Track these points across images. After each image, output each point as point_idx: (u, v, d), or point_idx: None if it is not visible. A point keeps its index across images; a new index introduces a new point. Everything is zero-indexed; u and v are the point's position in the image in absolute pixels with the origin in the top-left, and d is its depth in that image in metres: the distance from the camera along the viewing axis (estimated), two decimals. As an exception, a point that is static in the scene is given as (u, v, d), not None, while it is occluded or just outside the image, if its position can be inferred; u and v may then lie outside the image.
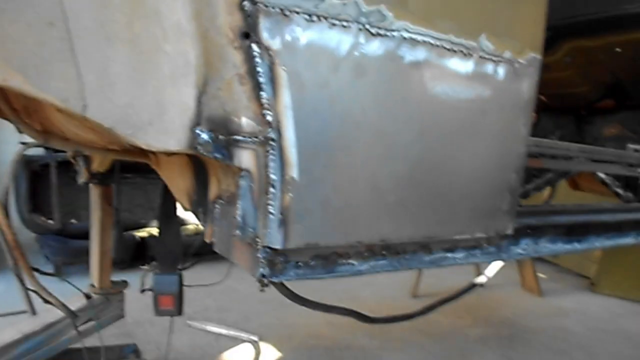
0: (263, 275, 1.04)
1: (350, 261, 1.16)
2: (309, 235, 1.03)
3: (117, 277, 3.03)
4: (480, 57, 1.20)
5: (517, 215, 1.40)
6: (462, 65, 1.18)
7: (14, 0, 0.97)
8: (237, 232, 1.06)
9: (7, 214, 1.30)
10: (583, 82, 3.70)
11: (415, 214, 1.17)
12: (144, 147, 1.03)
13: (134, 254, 5.28)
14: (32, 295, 2.07)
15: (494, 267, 3.60)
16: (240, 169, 1.02)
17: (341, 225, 1.07)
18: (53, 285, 2.20)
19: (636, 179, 3.52)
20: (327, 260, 1.12)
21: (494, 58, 1.23)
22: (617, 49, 3.22)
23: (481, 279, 3.32)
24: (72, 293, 2.77)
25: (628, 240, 1.99)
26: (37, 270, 1.59)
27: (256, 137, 0.98)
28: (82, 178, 2.83)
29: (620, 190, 3.76)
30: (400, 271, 1.25)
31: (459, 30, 1.15)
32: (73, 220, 5.30)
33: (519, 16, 1.28)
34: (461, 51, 1.17)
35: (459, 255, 1.35)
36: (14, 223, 4.83)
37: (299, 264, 1.09)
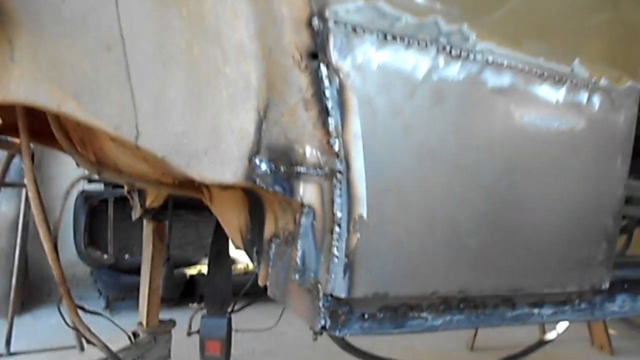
0: (324, 328, 0.91)
1: (423, 315, 1.01)
2: (377, 284, 0.90)
3: (165, 314, 2.97)
4: (574, 84, 1.06)
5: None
6: (552, 94, 1.04)
7: (72, 23, 0.93)
8: (296, 276, 0.94)
9: (56, 249, 1.24)
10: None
11: (498, 262, 1.02)
12: (197, 179, 0.95)
13: (183, 292, 5.26)
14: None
15: (565, 322, 3.28)
16: (302, 205, 0.91)
17: (414, 273, 0.93)
18: (103, 321, 2.15)
19: None
20: (396, 313, 0.98)
21: (588, 86, 1.08)
22: None
23: (552, 335, 3.02)
24: (125, 328, 2.73)
25: None
26: (81, 308, 1.52)
27: (321, 169, 0.87)
28: (136, 213, 2.83)
29: None
30: (478, 328, 1.09)
31: (550, 53, 1.02)
32: (127, 256, 5.36)
33: (616, 39, 1.14)
34: (552, 77, 1.03)
35: (547, 311, 1.17)
36: (70, 256, 4.93)
37: (365, 316, 0.95)
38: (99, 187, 5.26)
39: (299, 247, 0.92)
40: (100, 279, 5.26)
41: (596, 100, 1.10)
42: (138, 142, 0.93)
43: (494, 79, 0.96)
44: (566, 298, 1.20)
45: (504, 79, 0.98)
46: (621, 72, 1.14)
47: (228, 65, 0.89)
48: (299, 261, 0.92)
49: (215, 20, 0.88)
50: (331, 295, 0.89)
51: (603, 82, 1.11)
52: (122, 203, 4.91)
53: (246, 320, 3.06)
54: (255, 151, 0.88)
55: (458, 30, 0.92)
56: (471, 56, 0.94)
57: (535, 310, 1.15)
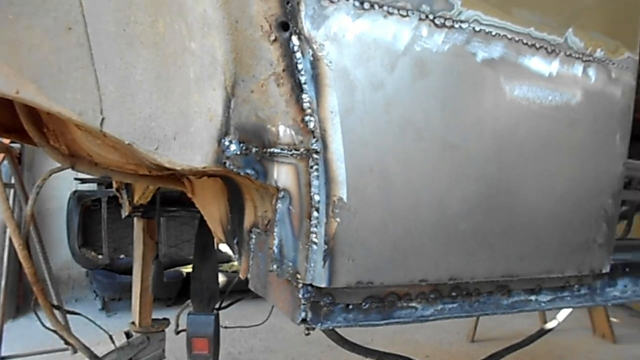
0: (304, 321, 0.85)
1: (412, 304, 0.94)
2: (361, 272, 0.83)
3: (162, 314, 2.91)
4: (567, 55, 0.99)
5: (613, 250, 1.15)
6: (545, 66, 0.97)
7: (31, 3, 0.86)
8: (274, 266, 0.87)
9: (28, 248, 1.17)
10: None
11: (492, 246, 0.95)
12: (166, 165, 0.88)
13: (180, 291, 5.20)
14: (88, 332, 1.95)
15: (566, 310, 3.22)
16: (278, 189, 0.84)
17: (401, 260, 0.86)
18: (100, 322, 2.09)
19: None
20: (383, 302, 0.91)
21: (583, 57, 1.02)
22: None
23: (552, 324, 2.96)
24: (120, 329, 2.68)
25: None
26: (58, 307, 1.46)
27: (296, 150, 0.80)
28: (125, 211, 2.76)
29: None
30: (472, 317, 1.02)
31: (541, 23, 0.95)
32: (122, 256, 5.30)
33: (613, 8, 1.07)
34: (544, 48, 0.96)
35: (544, 298, 1.11)
36: (65, 258, 4.86)
37: (349, 307, 0.88)
38: (92, 187, 5.19)
39: (275, 234, 0.86)
40: (96, 280, 5.20)
41: (592, 72, 1.04)
42: (103, 128, 0.87)
43: (482, 50, 0.90)
44: (565, 283, 1.13)
45: (493, 50, 0.91)
46: (618, 43, 1.08)
47: (193, 40, 0.82)
48: (276, 250, 0.86)
49: (178, -8, 0.82)
50: (311, 286, 0.83)
51: (599, 53, 1.04)
52: (116, 202, 4.84)
53: (241, 317, 3.00)
54: (225, 132, 0.81)
55: (442, -3, 0.85)
56: (456, 25, 0.87)
57: (532, 297, 1.09)
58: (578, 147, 1.04)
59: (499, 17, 0.91)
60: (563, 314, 3.19)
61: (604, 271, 1.14)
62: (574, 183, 1.04)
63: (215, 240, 1.90)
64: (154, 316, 2.79)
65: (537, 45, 0.96)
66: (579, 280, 1.16)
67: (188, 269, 5.29)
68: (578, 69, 1.02)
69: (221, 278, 3.44)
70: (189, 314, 1.85)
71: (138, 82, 0.87)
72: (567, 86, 1.00)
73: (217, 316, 1.84)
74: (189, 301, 2.04)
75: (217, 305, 1.92)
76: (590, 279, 1.18)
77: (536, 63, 0.96)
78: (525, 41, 0.94)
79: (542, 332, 2.82)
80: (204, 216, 1.37)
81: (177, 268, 5.47)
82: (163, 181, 1.44)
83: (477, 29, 0.89)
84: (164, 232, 5.60)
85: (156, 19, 0.86)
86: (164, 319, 2.81)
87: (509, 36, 0.92)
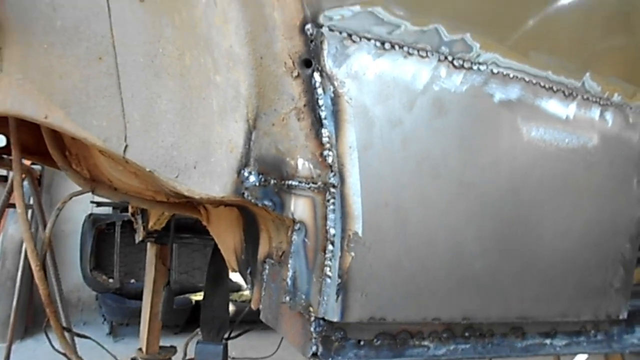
0: (315, 355, 0.84)
1: (425, 343, 0.93)
2: (374, 307, 0.83)
3: (169, 341, 2.89)
4: (584, 99, 1.00)
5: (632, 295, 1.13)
6: (562, 108, 0.98)
7: (64, 33, 0.90)
8: (286, 298, 0.87)
9: (44, 269, 1.19)
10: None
11: (506, 287, 0.94)
12: (185, 193, 0.90)
13: (189, 318, 5.17)
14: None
15: (581, 356, 3.14)
16: (294, 221, 0.85)
17: (414, 297, 0.86)
18: (108, 347, 2.09)
19: None
20: (395, 340, 0.90)
21: (601, 101, 1.02)
22: None
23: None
24: (127, 355, 2.66)
25: None
26: (68, 330, 1.46)
27: (314, 183, 0.82)
28: (139, 236, 2.78)
29: None
30: (485, 358, 1.01)
31: (559, 66, 0.97)
32: (132, 280, 5.31)
33: (630, 54, 1.08)
34: (561, 91, 0.98)
35: (560, 342, 1.09)
36: (76, 281, 4.89)
37: (361, 342, 0.88)
38: (107, 210, 5.25)
39: (290, 266, 0.86)
40: (105, 304, 5.20)
41: (609, 116, 1.04)
42: (126, 155, 0.89)
43: (499, 91, 0.91)
44: (581, 328, 1.11)
45: (511, 91, 0.92)
46: (636, 87, 1.08)
47: (218, 74, 0.85)
48: (289, 282, 0.86)
49: (206, 27, 0.85)
50: (323, 319, 0.83)
51: (616, 97, 1.05)
52: (130, 227, 4.90)
53: (248, 348, 2.97)
54: (245, 163, 0.83)
55: (461, 39, 0.88)
56: (475, 67, 0.89)
57: (547, 341, 1.07)
58: (595, 190, 1.04)
59: (517, 59, 0.93)
60: (578, 358, 3.11)
61: (621, 317, 1.12)
62: (590, 226, 1.04)
63: (228, 269, 1.90)
64: (161, 343, 2.77)
65: (555, 88, 0.97)
66: (595, 326, 1.13)
67: (197, 296, 5.27)
68: (595, 112, 1.02)
69: (231, 307, 3.42)
70: (197, 342, 1.84)
71: (163, 111, 0.90)
72: (584, 129, 1.01)
73: (225, 346, 1.83)
74: (198, 329, 2.03)
75: (226, 335, 1.91)
76: (607, 325, 1.16)
77: (553, 106, 0.97)
78: (542, 84, 0.96)
79: (557, 378, 2.75)
80: (218, 244, 1.37)
81: (186, 295, 5.46)
82: (180, 208, 1.46)
83: (495, 71, 0.91)
84: (176, 258, 5.62)
85: (183, 52, 0.89)
86: (172, 346, 2.79)
87: (527, 79, 0.94)
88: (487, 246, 0.92)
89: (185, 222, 2.64)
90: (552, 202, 0.98)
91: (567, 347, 1.11)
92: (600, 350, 1.16)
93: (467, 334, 0.96)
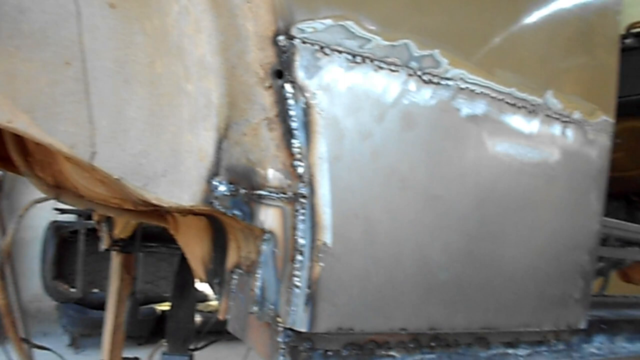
0: (282, 366, 0.84)
1: (391, 353, 0.94)
2: (342, 318, 0.83)
3: (133, 353, 2.81)
4: (547, 115, 1.04)
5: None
6: (526, 124, 1.02)
7: (31, 37, 0.88)
8: (254, 308, 0.87)
9: (3, 277, 1.15)
10: (635, 165, 3.47)
11: (471, 298, 0.96)
12: (153, 201, 0.89)
13: (153, 329, 5.05)
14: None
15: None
16: (263, 231, 0.85)
17: (382, 307, 0.87)
18: (69, 358, 2.02)
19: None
20: (362, 350, 0.91)
21: (562, 118, 1.07)
22: (672, 132, 3.03)
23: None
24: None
25: None
26: (27, 341, 1.42)
27: (284, 193, 0.82)
28: (104, 244, 2.72)
29: (683, 285, 3.40)
30: (450, 368, 1.02)
31: (522, 84, 1.00)
32: (95, 290, 5.16)
33: (589, 74, 1.13)
34: (525, 107, 1.01)
35: (522, 352, 1.11)
36: (36, 290, 4.72)
37: (328, 353, 0.88)
38: (71, 217, 5.10)
39: (258, 276, 0.86)
40: (66, 314, 5.03)
41: (570, 133, 1.08)
42: (94, 162, 0.88)
43: (466, 106, 0.94)
44: (542, 338, 1.14)
45: (477, 107, 0.95)
46: (595, 106, 1.13)
47: (190, 82, 0.85)
48: (258, 292, 0.86)
49: (178, 35, 0.85)
50: (291, 330, 0.83)
51: (577, 115, 1.09)
52: (94, 235, 4.76)
53: (216, 359, 2.92)
54: (215, 172, 0.83)
55: (430, 55, 0.90)
56: (443, 82, 0.91)
57: (511, 351, 1.10)
58: (556, 203, 1.07)
59: (483, 76, 0.96)
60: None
61: (580, 327, 1.16)
62: (551, 238, 1.07)
63: (195, 278, 1.88)
64: (124, 355, 2.70)
65: (519, 105, 1.00)
66: (556, 336, 1.17)
67: (163, 306, 5.16)
68: (557, 129, 1.06)
69: (197, 318, 3.37)
70: (162, 353, 1.80)
71: (132, 118, 0.89)
72: (546, 145, 1.04)
73: (191, 357, 1.80)
74: (163, 340, 1.99)
75: (192, 346, 1.88)
76: (567, 335, 1.19)
77: (517, 121, 1.01)
78: (507, 100, 0.99)
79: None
80: (186, 254, 1.36)
81: (151, 305, 5.33)
82: (147, 217, 1.43)
83: (463, 86, 0.93)
84: (141, 267, 5.50)
85: (154, 60, 0.89)
86: (135, 358, 2.72)
87: (492, 95, 0.97)
88: (453, 258, 0.94)
89: (152, 230, 2.60)
90: (515, 215, 1.01)
91: (529, 357, 1.13)
92: (561, 359, 1.19)
93: (433, 344, 0.98)
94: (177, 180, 0.86)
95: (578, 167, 1.10)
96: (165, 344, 1.94)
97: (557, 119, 1.06)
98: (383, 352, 0.93)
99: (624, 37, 2.69)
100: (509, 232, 1.01)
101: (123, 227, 2.44)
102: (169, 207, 0.90)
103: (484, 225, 0.98)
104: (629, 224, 1.70)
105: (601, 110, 1.14)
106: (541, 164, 1.04)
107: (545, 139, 1.05)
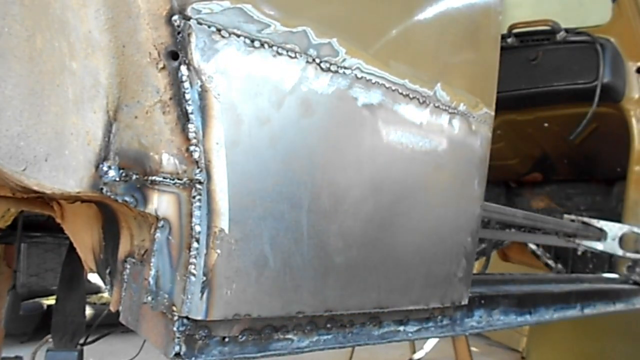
0: (178, 355, 0.82)
1: (289, 336, 0.96)
2: (239, 304, 0.83)
3: (15, 351, 2.60)
4: (436, 106, 1.11)
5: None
6: (417, 114, 1.07)
7: None
8: (148, 298, 0.84)
9: None
10: (513, 155, 3.80)
11: (365, 279, 1.01)
12: (34, 187, 0.82)
13: (39, 325, 4.70)
14: None
15: (432, 341, 3.45)
16: (157, 218, 0.82)
17: (280, 293, 0.88)
18: None
19: (565, 250, 3.57)
20: (260, 335, 0.92)
21: (449, 109, 1.14)
22: (545, 124, 3.35)
23: (419, 354, 3.15)
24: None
25: (574, 312, 1.91)
26: None
27: (179, 179, 0.79)
28: (-20, 234, 2.47)
29: (551, 262, 3.81)
30: (346, 347, 1.06)
31: (414, 76, 1.06)
32: (-31, 285, 4.68)
33: (473, 69, 1.22)
34: (417, 98, 1.07)
35: (411, 329, 1.19)
36: None
37: (226, 339, 0.88)
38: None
39: (152, 265, 0.83)
40: None
41: (456, 123, 1.16)
42: (-37, 144, 0.79)
43: (363, 95, 0.97)
44: (429, 315, 1.23)
45: (373, 96, 0.99)
46: (478, 99, 1.22)
47: (75, 60, 0.79)
48: (151, 281, 0.83)
49: (61, 8, 0.78)
50: (187, 318, 0.81)
51: (462, 107, 1.17)
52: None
53: (110, 353, 2.79)
54: (104, 157, 0.78)
55: (328, 43, 0.91)
56: (341, 70, 0.93)
57: (401, 328, 1.16)
58: (442, 189, 1.15)
59: (378, 67, 0.99)
60: (430, 343, 3.42)
61: (462, 303, 1.26)
62: (438, 222, 1.15)
63: (85, 269, 1.77)
64: (4, 354, 2.49)
65: (411, 96, 1.06)
66: (442, 312, 1.26)
67: (49, 300, 4.81)
68: (444, 119, 1.13)
69: (88, 311, 3.18)
70: (47, 350, 1.68)
71: (8, 97, 0.81)
72: (435, 134, 1.11)
73: (81, 352, 1.69)
74: (48, 336, 1.85)
75: (82, 341, 1.77)
76: (452, 311, 1.29)
77: (410, 111, 1.06)
78: (400, 91, 1.03)
79: (411, 362, 2.99)
80: (74, 243, 1.27)
81: (36, 300, 4.96)
82: (28, 204, 1.32)
83: (359, 76, 0.96)
84: (25, 259, 5.07)
85: (34, 34, 0.81)
86: (17, 357, 2.52)
87: (387, 85, 1.01)
88: (349, 242, 0.97)
89: (36, 219, 2.40)
90: (406, 201, 1.07)
91: (417, 332, 1.21)
92: (446, 333, 1.29)
93: (329, 325, 1.01)
94: (61, 164, 0.80)
95: (463, 156, 1.19)
96: (51, 340, 1.82)
97: (445, 110, 1.13)
98: (281, 336, 0.95)
99: (506, 36, 2.92)
100: (401, 216, 1.06)
101: (1, 216, 2.23)
102: (52, 193, 0.83)
103: (378, 209, 1.02)
104: (508, 208, 1.87)
105: (483, 103, 1.23)
106: (430, 152, 1.11)
107: (434, 129, 1.11)
